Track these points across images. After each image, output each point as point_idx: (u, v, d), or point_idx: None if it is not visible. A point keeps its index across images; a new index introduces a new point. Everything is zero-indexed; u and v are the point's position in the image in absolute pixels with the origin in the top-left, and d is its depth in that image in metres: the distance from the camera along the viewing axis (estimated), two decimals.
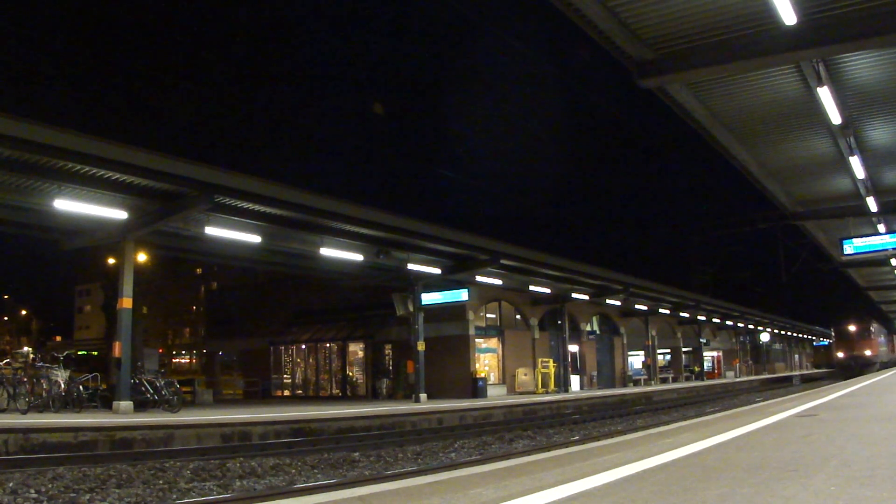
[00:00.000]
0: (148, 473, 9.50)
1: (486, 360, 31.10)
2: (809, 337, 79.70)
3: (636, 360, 46.79)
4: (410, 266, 23.70)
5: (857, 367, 42.29)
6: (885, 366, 49.30)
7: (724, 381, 48.39)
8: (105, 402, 17.39)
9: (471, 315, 29.11)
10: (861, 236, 22.39)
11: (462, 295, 26.41)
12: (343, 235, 20.61)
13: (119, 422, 13.43)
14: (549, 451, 5.76)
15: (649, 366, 44.04)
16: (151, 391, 17.95)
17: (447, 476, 4.27)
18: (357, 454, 12.09)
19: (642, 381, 42.74)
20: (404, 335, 28.15)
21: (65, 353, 19.13)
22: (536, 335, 33.45)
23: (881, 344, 49.98)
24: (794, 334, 74.52)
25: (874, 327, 48.21)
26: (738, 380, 48.82)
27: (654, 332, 44.30)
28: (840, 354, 47.60)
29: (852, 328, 47.89)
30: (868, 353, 47.13)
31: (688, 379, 49.60)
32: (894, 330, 63.74)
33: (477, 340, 29.88)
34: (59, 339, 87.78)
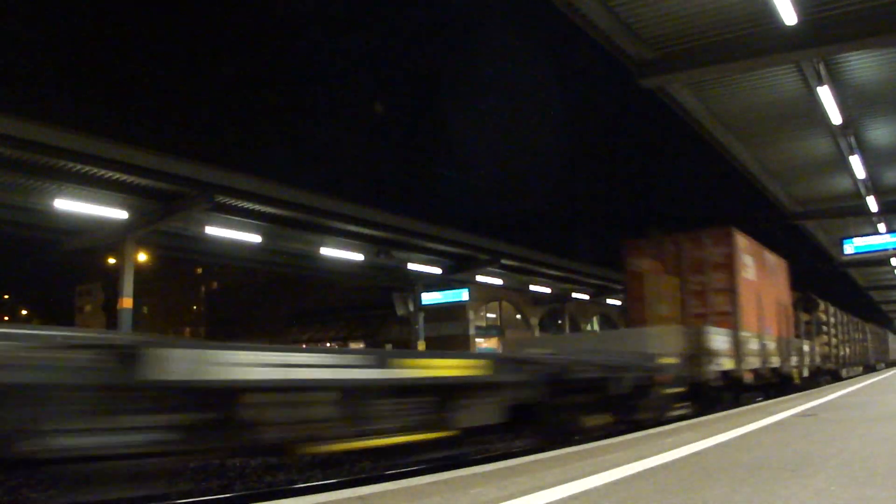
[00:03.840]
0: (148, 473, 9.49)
1: None
2: None
3: None
4: (410, 266, 23.71)
5: None
6: None
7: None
8: None
9: (471, 315, 29.12)
10: (861, 236, 22.40)
11: (462, 295, 26.46)
12: (343, 235, 20.62)
13: None
14: (549, 450, 5.77)
15: None
16: None
17: (448, 476, 4.27)
18: None
19: None
20: (404, 335, 28.15)
21: None
22: (537, 335, 33.46)
23: None
24: None
25: None
26: None
27: None
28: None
29: None
30: None
31: None
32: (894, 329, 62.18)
33: (477, 340, 29.89)
34: None
